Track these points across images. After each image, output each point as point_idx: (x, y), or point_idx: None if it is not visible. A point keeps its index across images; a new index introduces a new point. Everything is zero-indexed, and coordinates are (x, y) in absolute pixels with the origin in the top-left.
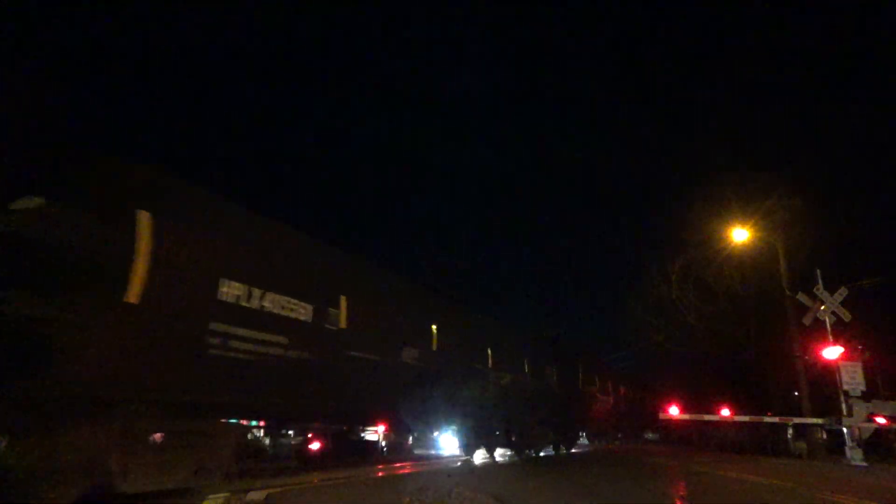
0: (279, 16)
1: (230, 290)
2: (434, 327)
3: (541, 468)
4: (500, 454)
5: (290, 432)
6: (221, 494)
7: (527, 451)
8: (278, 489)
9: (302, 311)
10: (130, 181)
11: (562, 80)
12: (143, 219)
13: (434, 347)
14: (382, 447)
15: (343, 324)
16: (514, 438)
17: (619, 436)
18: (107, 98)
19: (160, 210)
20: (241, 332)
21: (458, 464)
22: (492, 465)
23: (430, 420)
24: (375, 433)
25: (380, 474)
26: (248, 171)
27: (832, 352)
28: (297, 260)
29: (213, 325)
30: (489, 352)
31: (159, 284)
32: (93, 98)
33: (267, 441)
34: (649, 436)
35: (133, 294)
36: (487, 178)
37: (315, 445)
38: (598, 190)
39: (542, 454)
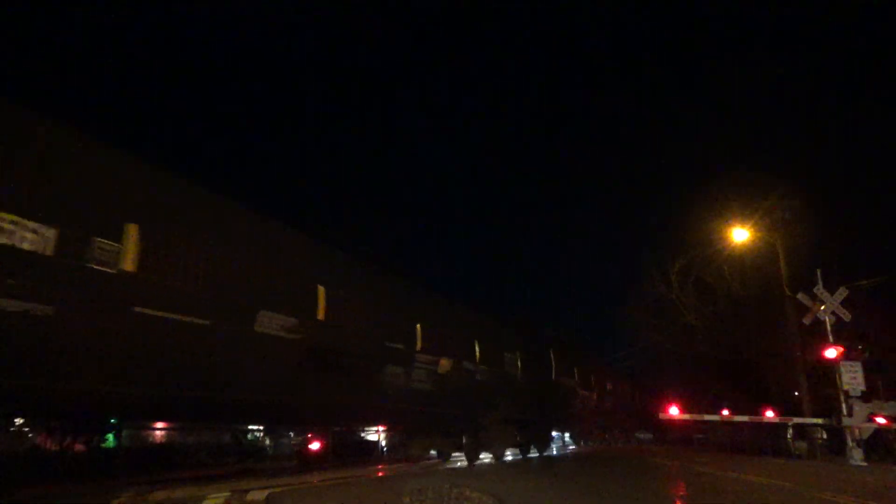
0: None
1: None
2: (321, 289)
3: (541, 468)
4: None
5: (291, 433)
6: (222, 494)
7: (490, 455)
8: (278, 489)
9: (28, 237)
10: None
11: (562, 81)
12: None
13: (320, 317)
14: (382, 447)
15: (129, 265)
16: (465, 439)
17: (606, 436)
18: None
19: None
20: None
21: (459, 464)
22: (492, 466)
23: (321, 417)
24: (376, 433)
25: (380, 474)
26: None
27: (832, 352)
28: (22, 152)
29: None
30: (418, 329)
31: None
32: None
33: (267, 441)
34: (642, 435)
35: None
36: (486, 177)
37: (315, 445)
38: (599, 190)
39: (507, 458)
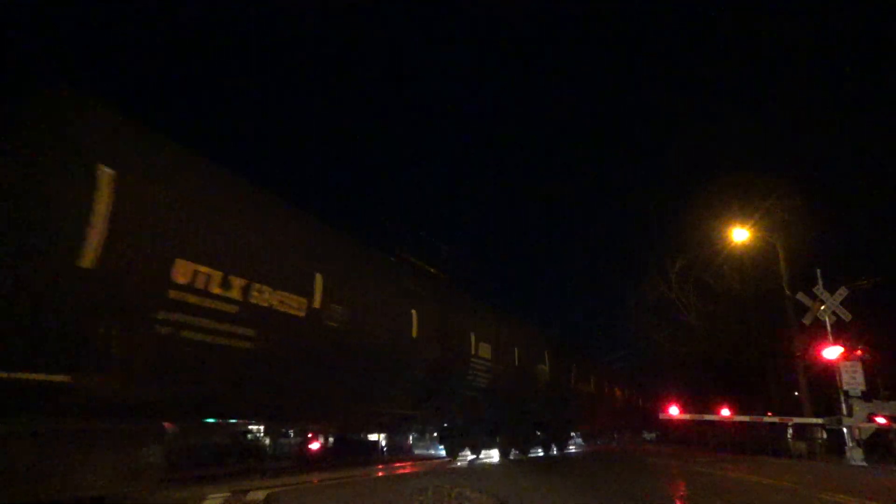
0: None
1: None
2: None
3: (541, 468)
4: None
5: (290, 432)
6: (221, 494)
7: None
8: (278, 489)
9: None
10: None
11: (560, 79)
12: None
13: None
14: (382, 447)
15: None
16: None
17: (606, 436)
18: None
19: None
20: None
21: (460, 464)
22: (492, 465)
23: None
24: (376, 433)
25: (380, 474)
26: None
27: (832, 352)
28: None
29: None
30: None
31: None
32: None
33: (267, 441)
34: (647, 436)
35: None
36: (484, 175)
37: (315, 445)
38: (599, 190)
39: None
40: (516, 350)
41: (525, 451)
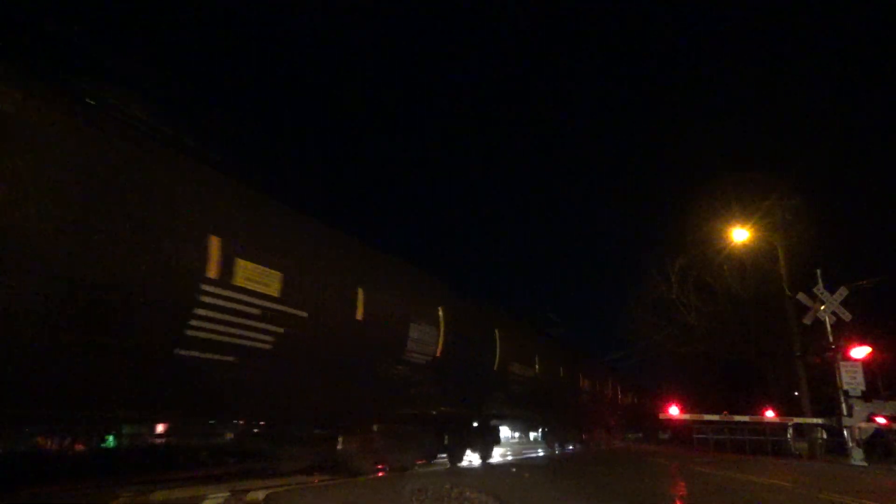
0: None
1: None
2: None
3: (540, 469)
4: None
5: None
6: (221, 494)
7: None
8: (278, 489)
9: None
10: None
11: (559, 79)
12: None
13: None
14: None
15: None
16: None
17: (603, 436)
18: None
19: None
20: None
21: (460, 464)
22: (492, 466)
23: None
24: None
25: (380, 474)
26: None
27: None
28: None
29: None
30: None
31: None
32: None
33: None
34: (630, 437)
35: None
36: (484, 174)
37: None
38: (599, 189)
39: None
40: (360, 294)
41: (407, 464)
